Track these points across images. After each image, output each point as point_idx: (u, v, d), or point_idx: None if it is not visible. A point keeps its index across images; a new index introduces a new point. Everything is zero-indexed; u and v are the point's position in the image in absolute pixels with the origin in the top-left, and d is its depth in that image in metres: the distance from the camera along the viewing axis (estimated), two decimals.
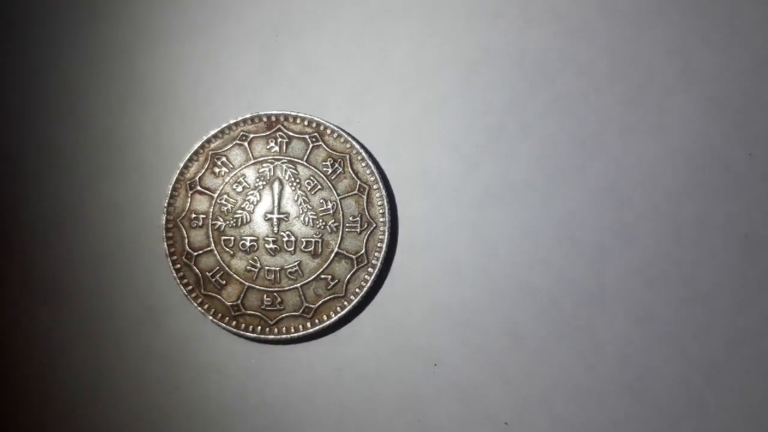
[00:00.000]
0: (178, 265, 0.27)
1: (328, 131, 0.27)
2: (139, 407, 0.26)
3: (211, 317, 0.27)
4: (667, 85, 0.26)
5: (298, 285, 0.27)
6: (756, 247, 0.26)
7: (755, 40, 0.27)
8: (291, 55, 0.27)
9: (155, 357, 0.26)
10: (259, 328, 0.27)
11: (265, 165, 0.27)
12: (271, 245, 0.27)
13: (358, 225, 0.27)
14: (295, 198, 0.27)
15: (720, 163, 0.26)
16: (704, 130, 0.26)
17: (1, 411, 0.27)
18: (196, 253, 0.27)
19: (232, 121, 0.27)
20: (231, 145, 0.27)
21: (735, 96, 0.26)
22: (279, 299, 0.27)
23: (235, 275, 0.27)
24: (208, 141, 0.27)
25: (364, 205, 0.27)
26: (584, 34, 0.27)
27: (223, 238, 0.27)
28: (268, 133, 0.27)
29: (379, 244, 0.27)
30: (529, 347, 0.25)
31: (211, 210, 0.27)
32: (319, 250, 0.27)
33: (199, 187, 0.27)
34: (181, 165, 0.27)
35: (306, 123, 0.27)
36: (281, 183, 0.27)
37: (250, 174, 0.27)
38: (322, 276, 0.27)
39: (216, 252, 0.27)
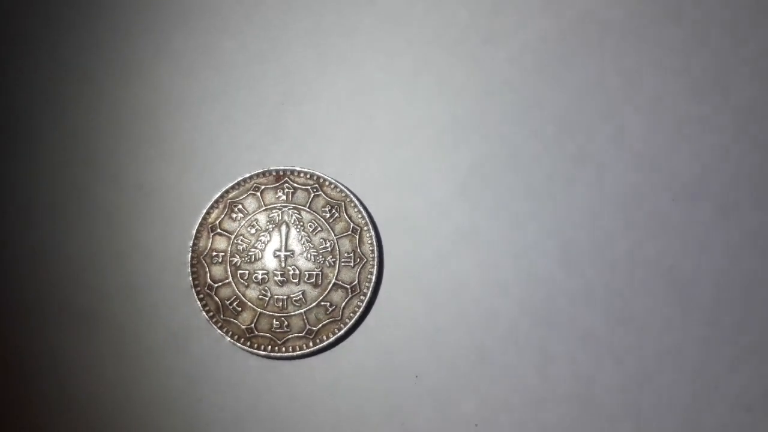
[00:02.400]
0: (201, 295, 0.29)
1: (326, 183, 0.30)
2: (166, 418, 0.29)
3: (228, 338, 0.29)
4: (603, 145, 0.30)
5: (302, 311, 0.29)
6: (679, 276, 0.30)
7: (678, 106, 0.31)
8: (294, 120, 0.30)
9: (180, 374, 0.29)
10: (270, 347, 0.29)
11: (274, 211, 0.30)
12: (279, 278, 0.29)
13: (352, 260, 0.30)
14: (299, 238, 0.30)
15: (648, 208, 0.30)
16: (634, 180, 0.30)
17: (42, 425, 0.29)
18: (216, 285, 0.29)
19: (246, 175, 0.30)
20: (246, 195, 0.30)
21: (660, 152, 0.30)
22: (286, 323, 0.29)
23: (249, 303, 0.29)
24: (227, 191, 0.30)
25: (357, 243, 0.30)
26: (534, 103, 0.31)
27: (239, 272, 0.29)
28: (276, 184, 0.30)
29: (369, 276, 0.29)
30: (493, 361, 0.29)
31: (229, 249, 0.30)
32: (320, 281, 0.29)
33: (219, 230, 0.30)
34: (204, 211, 0.30)
35: (308, 176, 0.30)
36: (288, 226, 0.30)
37: (262, 218, 0.30)
38: (322, 303, 0.29)
39: (233, 284, 0.29)
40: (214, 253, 0.30)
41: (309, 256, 0.30)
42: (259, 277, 0.29)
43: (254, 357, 0.29)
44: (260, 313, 0.29)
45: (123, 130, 0.30)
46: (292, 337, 0.29)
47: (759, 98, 0.31)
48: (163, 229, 0.30)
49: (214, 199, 0.30)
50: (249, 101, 0.31)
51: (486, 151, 0.30)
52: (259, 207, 0.30)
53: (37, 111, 0.30)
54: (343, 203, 0.30)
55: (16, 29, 0.31)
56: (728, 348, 0.29)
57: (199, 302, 0.29)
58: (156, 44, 0.31)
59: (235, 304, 0.29)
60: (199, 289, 0.29)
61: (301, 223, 0.30)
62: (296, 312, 0.29)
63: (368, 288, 0.30)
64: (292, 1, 0.31)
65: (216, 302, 0.29)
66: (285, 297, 0.29)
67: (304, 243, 0.30)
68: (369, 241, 0.30)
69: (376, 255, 0.30)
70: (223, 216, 0.30)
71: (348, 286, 0.29)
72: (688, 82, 0.31)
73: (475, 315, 0.29)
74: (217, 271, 0.29)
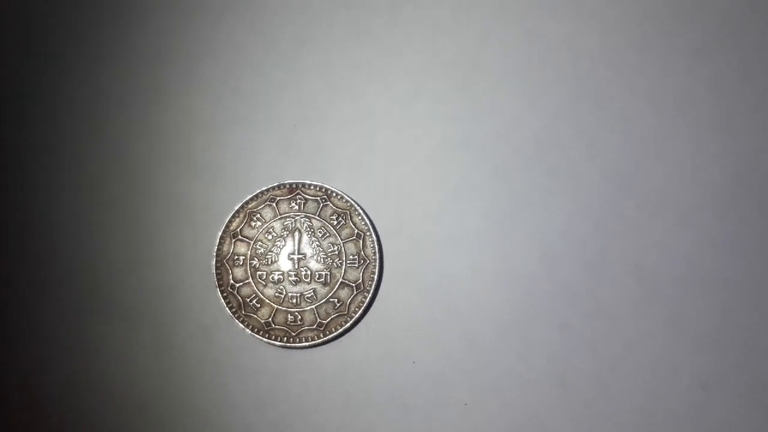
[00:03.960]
0: (225, 294, 0.30)
1: (334, 194, 0.31)
2: (196, 400, 0.30)
3: (249, 331, 0.30)
4: (576, 160, 0.31)
5: (313, 306, 0.30)
6: (644, 274, 0.30)
7: (642, 125, 0.31)
8: (306, 140, 0.32)
9: (208, 362, 0.30)
10: (285, 338, 0.30)
11: (288, 219, 0.31)
12: (293, 278, 0.30)
13: (356, 262, 0.30)
14: (311, 243, 0.31)
15: (616, 214, 0.31)
16: (604, 190, 0.31)
17: (86, 410, 0.30)
18: (238, 285, 0.30)
19: (263, 188, 0.31)
20: (263, 205, 0.31)
21: (626, 166, 0.31)
22: (299, 317, 0.30)
23: (267, 300, 0.30)
24: (247, 202, 0.31)
25: (361, 247, 0.30)
26: (515, 124, 0.32)
27: (257, 273, 0.30)
28: (290, 196, 0.31)
29: (371, 275, 0.30)
30: (482, 348, 0.30)
31: (249, 253, 0.30)
32: (328, 280, 0.30)
33: (240, 236, 0.31)
34: (227, 220, 0.31)
35: (317, 189, 0.31)
36: (300, 232, 0.31)
37: (277, 226, 0.31)
38: (331, 299, 0.30)
39: (253, 283, 0.30)
40: (236, 257, 0.30)
41: (319, 258, 0.30)
42: (276, 277, 0.30)
43: (272, 347, 0.30)
44: (277, 308, 0.30)
45: (156, 149, 0.32)
46: (304, 330, 0.30)
47: (716, 117, 0.32)
48: (192, 236, 0.31)
49: (235, 209, 0.31)
50: (266, 124, 0.32)
51: (473, 165, 0.32)
52: (275, 216, 0.31)
53: (83, 133, 0.32)
54: (348, 212, 0.31)
55: (63, 61, 0.32)
56: (687, 336, 0.30)
57: (223, 300, 0.30)
58: (185, 73, 0.32)
59: (254, 301, 0.30)
60: (222, 288, 0.30)
61: (312, 230, 0.31)
62: (308, 307, 0.30)
63: (371, 286, 0.30)
64: (304, 38, 0.32)
65: (238, 300, 0.30)
66: (298, 294, 0.30)
67: (314, 247, 0.30)
68: (371, 245, 0.31)
69: (377, 257, 0.30)
70: (243, 224, 0.31)
71: (353, 285, 0.30)
72: (652, 103, 0.32)
73: (465, 308, 0.30)
74: (239, 272, 0.30)
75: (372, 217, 0.31)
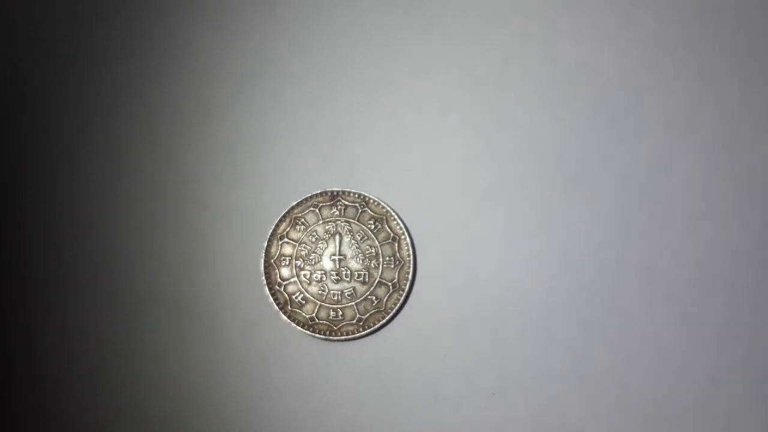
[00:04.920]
0: (272, 291, 0.31)
1: (371, 201, 0.32)
2: (245, 389, 0.31)
3: (294, 325, 0.31)
4: (593, 170, 0.32)
5: (353, 303, 0.31)
6: (655, 275, 0.31)
7: (654, 138, 0.32)
8: (345, 152, 0.33)
9: (256, 354, 0.32)
10: (327, 332, 0.31)
11: (329, 223, 0.32)
12: (335, 277, 0.31)
13: (392, 263, 0.32)
14: (350, 245, 0.32)
15: (629, 221, 0.32)
16: (619, 198, 0.32)
17: (144, 397, 0.31)
18: (284, 283, 0.32)
19: (307, 195, 0.32)
20: (307, 211, 0.32)
21: (640, 175, 0.32)
22: (341, 313, 0.31)
23: (311, 297, 0.31)
24: (292, 208, 0.32)
25: (396, 249, 0.32)
26: (537, 137, 0.32)
27: (302, 272, 0.32)
28: (331, 202, 0.32)
29: (406, 275, 0.31)
30: (506, 343, 0.31)
31: (294, 253, 0.32)
32: (367, 279, 0.31)
33: (286, 239, 0.32)
34: (274, 224, 0.32)
35: (356, 196, 0.32)
36: (341, 235, 0.32)
37: (320, 230, 0.32)
38: (369, 297, 0.31)
39: (298, 282, 0.32)
40: (282, 258, 0.32)
41: (358, 259, 0.32)
42: (318, 276, 0.32)
43: (315, 340, 0.31)
44: (320, 305, 0.31)
45: (210, 162, 0.33)
46: (345, 324, 0.31)
47: (719, 133, 0.33)
48: (242, 239, 0.32)
49: (281, 215, 0.32)
50: (309, 137, 0.33)
51: (498, 175, 0.33)
52: (318, 220, 0.32)
53: (141, 145, 0.33)
54: (384, 217, 0.32)
55: (119, 80, 0.34)
56: (695, 333, 0.31)
57: (270, 297, 0.31)
58: (235, 93, 0.33)
59: (299, 298, 0.31)
60: (270, 286, 0.31)
61: (352, 233, 0.32)
62: (348, 304, 0.31)
63: (406, 285, 0.31)
64: (343, 58, 0.34)
65: (284, 297, 0.31)
66: (339, 292, 0.31)
67: (354, 249, 0.32)
68: (406, 248, 0.32)
69: (411, 259, 0.31)
70: (289, 228, 0.32)
71: (389, 284, 0.31)
72: (663, 119, 0.33)
73: (491, 306, 0.32)
74: (285, 271, 0.32)
75: (407, 222, 0.32)
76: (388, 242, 0.32)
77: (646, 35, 0.34)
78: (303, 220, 0.32)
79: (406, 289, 0.32)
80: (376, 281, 0.32)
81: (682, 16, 0.34)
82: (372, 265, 0.32)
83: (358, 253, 0.32)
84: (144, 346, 0.32)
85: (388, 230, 0.32)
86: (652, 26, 0.34)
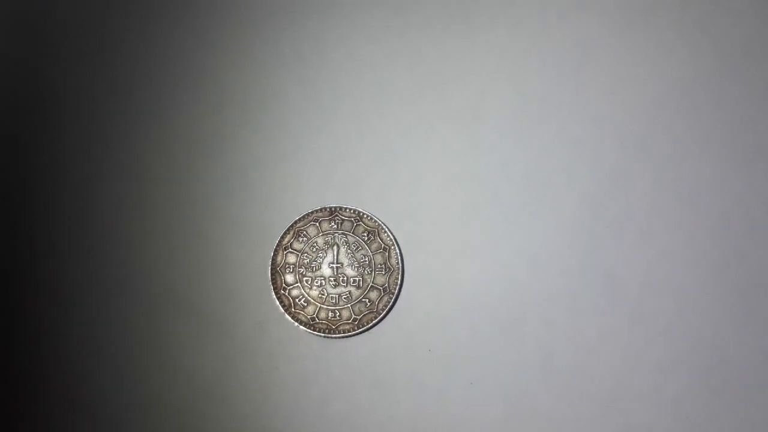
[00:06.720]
0: (278, 295, 0.33)
1: (365, 215, 0.33)
2: (252, 382, 0.33)
3: (298, 325, 0.33)
4: (557, 188, 0.34)
5: (349, 305, 0.33)
6: (612, 279, 0.33)
7: (609, 161, 0.34)
8: (341, 172, 0.35)
9: (263, 351, 0.33)
10: (327, 330, 0.33)
11: (328, 235, 0.34)
12: (333, 282, 0.33)
13: (383, 270, 0.33)
14: (347, 254, 0.33)
15: (589, 232, 0.34)
16: (580, 213, 0.34)
17: (161, 390, 0.33)
18: (288, 287, 0.33)
19: (309, 211, 0.34)
20: (308, 224, 0.33)
21: (597, 193, 0.34)
22: (338, 314, 0.33)
23: (312, 300, 0.33)
24: (295, 222, 0.33)
25: (387, 258, 0.33)
26: (508, 161, 0.34)
27: (304, 278, 0.33)
28: (330, 217, 0.34)
29: (395, 281, 0.33)
30: (483, 339, 0.33)
31: (297, 262, 0.33)
32: (361, 284, 0.33)
33: (290, 249, 0.33)
34: (279, 236, 0.33)
35: (352, 211, 0.34)
36: (338, 246, 0.34)
37: (320, 241, 0.33)
38: (363, 299, 0.33)
39: (300, 286, 0.33)
40: (287, 265, 0.33)
41: (353, 267, 0.33)
42: (319, 281, 0.33)
43: (316, 338, 0.33)
44: (320, 307, 0.33)
45: (220, 179, 0.34)
46: (342, 324, 0.33)
47: (673, 153, 0.34)
48: (251, 249, 0.34)
49: (286, 228, 0.33)
50: (310, 159, 0.35)
51: (475, 193, 0.35)
52: (318, 233, 0.33)
53: (163, 166, 0.35)
54: (377, 230, 0.33)
55: (146, 109, 0.35)
56: (647, 329, 0.33)
57: (276, 300, 0.33)
58: (245, 118, 0.35)
59: (302, 301, 0.33)
60: (276, 290, 0.33)
61: (348, 244, 0.33)
62: (345, 306, 0.33)
63: (395, 289, 0.33)
64: (340, 89, 0.35)
65: (289, 300, 0.33)
66: (337, 295, 0.33)
67: (349, 258, 0.33)
68: (395, 257, 0.33)
69: (400, 266, 0.33)
70: (292, 239, 0.33)
71: (381, 288, 0.33)
72: (618, 142, 0.34)
73: (470, 307, 0.34)
74: (289, 277, 0.33)
75: (396, 234, 0.34)
76: (380, 252, 0.34)
77: (603, 71, 0.36)
78: (305, 232, 0.34)
79: (396, 293, 0.33)
80: (369, 286, 0.33)
81: (633, 56, 0.36)
82: (365, 271, 0.33)
83: (354, 261, 0.34)
84: (164, 343, 0.33)
85: (380, 241, 0.34)
86: (608, 63, 0.36)
